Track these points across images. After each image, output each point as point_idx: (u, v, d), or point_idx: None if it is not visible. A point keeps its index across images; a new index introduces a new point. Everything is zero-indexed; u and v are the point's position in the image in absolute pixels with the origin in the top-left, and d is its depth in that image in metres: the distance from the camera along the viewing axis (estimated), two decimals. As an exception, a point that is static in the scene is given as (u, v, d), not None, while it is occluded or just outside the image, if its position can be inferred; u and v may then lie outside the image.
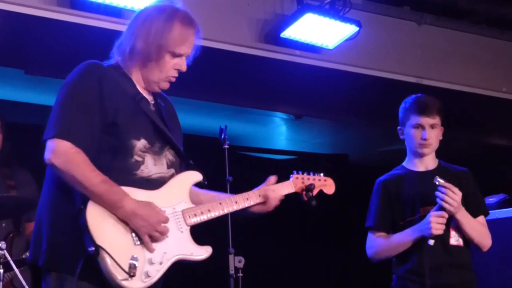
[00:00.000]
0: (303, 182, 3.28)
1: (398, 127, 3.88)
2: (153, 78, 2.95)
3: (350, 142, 8.12)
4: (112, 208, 2.72)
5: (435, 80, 6.21)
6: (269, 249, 7.59)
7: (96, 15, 4.82)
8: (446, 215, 3.62)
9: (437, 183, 3.62)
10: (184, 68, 2.96)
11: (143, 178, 2.85)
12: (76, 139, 2.71)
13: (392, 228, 3.82)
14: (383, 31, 6.02)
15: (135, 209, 2.74)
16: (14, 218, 4.56)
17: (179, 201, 2.93)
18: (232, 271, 4.52)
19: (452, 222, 3.70)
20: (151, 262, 2.77)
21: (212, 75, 5.74)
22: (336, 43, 5.57)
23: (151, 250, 2.77)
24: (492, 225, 4.57)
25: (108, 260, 2.66)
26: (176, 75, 2.98)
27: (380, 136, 7.61)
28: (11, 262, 3.94)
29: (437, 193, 3.63)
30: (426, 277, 3.58)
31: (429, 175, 3.74)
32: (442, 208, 3.62)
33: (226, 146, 4.84)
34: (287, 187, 3.24)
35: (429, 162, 3.84)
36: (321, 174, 3.38)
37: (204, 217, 2.99)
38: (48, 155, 2.71)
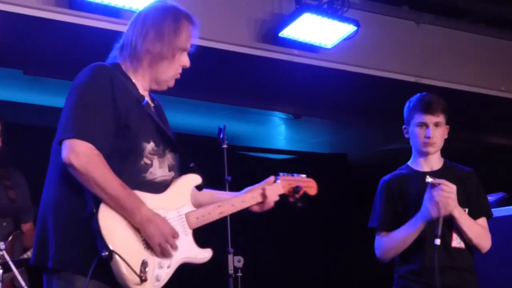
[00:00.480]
0: (289, 184, 3.29)
1: (403, 126, 3.88)
2: (164, 77, 2.98)
3: (349, 142, 8.12)
4: (127, 213, 2.72)
5: (434, 79, 6.22)
6: (268, 249, 7.59)
7: (95, 15, 4.82)
8: (453, 186, 3.59)
9: (428, 181, 3.62)
10: (188, 63, 3.00)
11: (150, 181, 2.86)
12: (95, 140, 2.70)
13: (398, 226, 3.79)
14: (381, 31, 6.02)
15: (151, 217, 2.75)
16: (14, 218, 4.57)
17: (183, 204, 2.96)
18: (231, 271, 4.52)
19: (454, 225, 3.69)
20: (160, 266, 2.80)
21: (210, 74, 5.73)
22: (334, 43, 5.57)
23: (160, 256, 2.80)
24: (491, 223, 4.56)
25: (122, 264, 2.67)
26: (181, 71, 3.02)
27: (379, 135, 7.62)
28: (10, 263, 3.94)
29: (429, 193, 3.62)
30: (436, 278, 3.53)
31: (434, 176, 3.72)
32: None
33: (225, 146, 4.84)
34: (277, 188, 3.25)
35: (434, 162, 3.83)
36: (304, 176, 3.41)
37: (205, 220, 3.01)
38: (67, 155, 2.66)
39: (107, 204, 2.70)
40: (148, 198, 2.80)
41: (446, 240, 3.69)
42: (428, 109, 3.75)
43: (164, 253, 2.79)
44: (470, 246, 3.76)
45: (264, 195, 3.19)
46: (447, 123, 3.83)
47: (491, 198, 5.05)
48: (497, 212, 4.89)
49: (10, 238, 4.47)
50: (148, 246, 2.78)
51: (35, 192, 4.20)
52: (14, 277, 4.14)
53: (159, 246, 2.77)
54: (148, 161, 2.86)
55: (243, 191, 3.23)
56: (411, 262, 3.75)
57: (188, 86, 5.85)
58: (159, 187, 2.89)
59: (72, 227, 2.72)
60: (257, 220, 7.45)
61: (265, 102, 6.40)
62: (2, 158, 4.62)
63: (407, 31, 6.17)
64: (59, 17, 4.76)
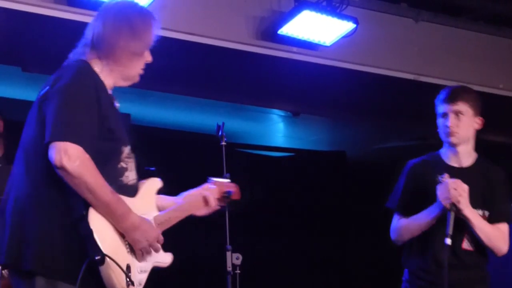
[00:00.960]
0: (221, 189, 3.33)
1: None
2: (133, 73, 2.99)
3: (347, 139, 8.12)
4: (115, 219, 2.71)
5: (432, 76, 6.21)
6: (267, 246, 7.59)
7: (93, 12, 4.75)
8: (464, 186, 3.56)
9: (440, 180, 3.59)
10: (151, 59, 3.03)
11: (125, 184, 2.86)
12: (85, 144, 2.66)
13: (416, 211, 3.76)
14: (380, 28, 6.02)
15: (138, 224, 2.76)
16: None
17: (151, 208, 3.00)
18: (229, 268, 4.52)
19: (467, 227, 3.67)
20: (141, 271, 2.83)
21: (209, 72, 5.73)
22: (333, 40, 5.57)
23: (140, 260, 2.81)
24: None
25: (112, 268, 2.64)
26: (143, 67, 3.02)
27: (378, 133, 7.61)
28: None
29: (439, 191, 3.60)
30: (445, 278, 3.54)
31: (461, 173, 3.69)
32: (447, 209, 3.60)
33: (224, 143, 4.84)
34: (214, 192, 3.26)
35: (463, 158, 3.78)
36: (229, 180, 3.47)
37: (166, 226, 3.05)
38: (59, 158, 2.61)
39: (95, 209, 2.67)
40: (129, 202, 2.79)
41: (457, 240, 3.67)
42: (446, 98, 3.73)
43: (145, 257, 2.81)
44: (480, 248, 3.73)
45: (206, 200, 3.24)
46: (481, 116, 3.76)
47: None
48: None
49: None
50: (131, 250, 2.78)
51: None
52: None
53: (142, 251, 2.78)
54: (124, 165, 2.86)
55: (181, 196, 3.26)
56: (420, 258, 3.73)
57: (187, 83, 5.87)
58: (131, 190, 2.89)
59: (58, 230, 2.67)
60: (256, 218, 7.48)
61: (263, 100, 6.39)
62: (10, 154, 4.62)
63: (406, 28, 6.16)
64: (57, 14, 4.75)
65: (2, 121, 4.88)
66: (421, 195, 3.77)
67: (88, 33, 2.93)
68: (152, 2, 4.83)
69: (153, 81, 5.54)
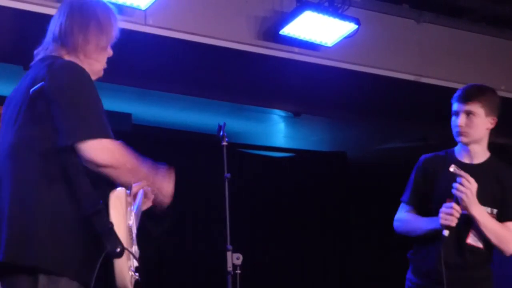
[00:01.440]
0: (155, 196, 3.32)
1: None
2: (99, 67, 2.97)
3: (348, 140, 8.12)
4: (148, 177, 2.85)
5: (434, 78, 6.21)
6: (267, 246, 7.60)
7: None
8: (458, 208, 3.57)
9: (451, 170, 3.59)
10: (112, 53, 3.01)
11: None
12: (110, 135, 2.73)
13: (424, 206, 3.79)
14: (382, 29, 6.02)
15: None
16: None
17: None
18: (230, 268, 4.52)
19: (474, 223, 3.65)
20: (132, 270, 2.79)
21: (210, 72, 5.74)
22: (335, 41, 5.57)
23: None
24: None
25: (125, 262, 2.66)
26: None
27: (379, 133, 7.61)
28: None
29: (454, 184, 3.60)
30: (442, 273, 3.54)
31: (472, 170, 3.68)
32: (457, 201, 3.59)
33: (225, 143, 4.85)
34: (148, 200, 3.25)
35: (476, 155, 3.79)
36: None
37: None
38: (102, 156, 2.66)
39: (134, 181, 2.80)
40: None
41: (461, 236, 3.67)
42: (458, 97, 3.75)
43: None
44: (487, 246, 3.71)
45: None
46: (496, 116, 3.78)
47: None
48: (497, 211, 4.90)
49: None
50: (132, 242, 2.79)
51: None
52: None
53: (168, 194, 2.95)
54: None
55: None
56: (424, 256, 3.73)
57: (188, 83, 5.87)
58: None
59: (60, 227, 2.66)
60: (256, 217, 7.48)
61: (265, 100, 6.40)
62: None
63: (408, 29, 6.16)
64: (59, 13, 4.76)
65: None
66: (429, 188, 3.79)
67: (55, 29, 2.93)
68: (154, 2, 4.83)
69: (154, 80, 5.55)
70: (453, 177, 3.64)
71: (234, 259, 4.54)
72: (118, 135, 2.81)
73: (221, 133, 4.87)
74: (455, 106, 3.75)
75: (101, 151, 2.66)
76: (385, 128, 7.10)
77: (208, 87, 5.96)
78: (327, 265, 8.07)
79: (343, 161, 8.39)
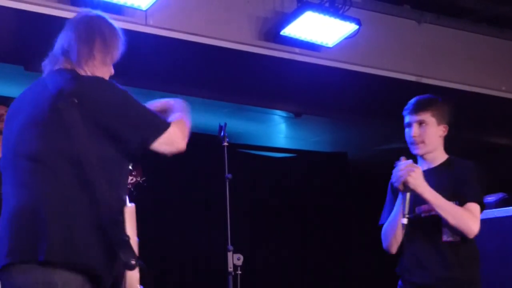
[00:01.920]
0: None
1: None
2: None
3: (349, 140, 8.12)
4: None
5: (435, 78, 6.21)
6: (268, 246, 7.60)
7: (96, 12, 4.81)
8: (402, 163, 3.68)
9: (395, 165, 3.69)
10: (113, 72, 3.11)
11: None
12: (167, 121, 2.97)
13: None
14: (383, 30, 6.02)
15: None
16: None
17: None
18: (231, 269, 4.52)
19: (443, 220, 3.67)
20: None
21: (212, 72, 5.73)
22: (335, 41, 5.57)
23: None
24: (491, 224, 4.55)
25: (136, 274, 2.75)
26: None
27: (379, 134, 7.61)
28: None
29: (394, 172, 3.69)
30: (404, 268, 3.61)
31: (430, 173, 3.74)
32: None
33: (226, 144, 4.85)
34: None
35: (433, 160, 3.84)
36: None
37: None
38: (181, 143, 2.99)
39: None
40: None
41: (435, 238, 3.69)
42: (409, 109, 3.85)
43: None
44: (468, 239, 3.71)
45: None
46: (447, 124, 3.84)
47: (491, 198, 5.05)
48: (497, 213, 4.89)
49: None
50: None
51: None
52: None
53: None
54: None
55: None
56: (403, 261, 3.77)
57: (189, 83, 5.87)
58: None
59: (77, 225, 2.71)
60: (257, 218, 7.48)
61: (266, 100, 6.39)
62: None
63: (409, 30, 6.16)
64: (60, 13, 4.76)
65: None
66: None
67: (63, 42, 3.03)
68: (155, 2, 4.83)
69: (154, 81, 5.54)
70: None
71: (235, 259, 4.55)
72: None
73: (222, 134, 4.87)
74: (407, 118, 3.85)
75: (177, 138, 2.98)
76: (386, 129, 7.09)
77: (208, 87, 5.96)
78: (328, 266, 8.07)
79: (344, 161, 8.39)
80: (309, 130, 7.84)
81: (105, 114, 2.81)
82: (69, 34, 3.01)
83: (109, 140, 2.81)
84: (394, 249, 3.80)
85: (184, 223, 7.14)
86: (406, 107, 3.87)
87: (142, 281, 2.84)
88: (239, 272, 4.55)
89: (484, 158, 7.28)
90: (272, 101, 6.42)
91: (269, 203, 7.66)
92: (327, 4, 5.38)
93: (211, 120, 5.91)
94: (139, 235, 2.88)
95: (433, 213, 3.68)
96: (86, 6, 4.76)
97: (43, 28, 4.92)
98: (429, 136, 3.80)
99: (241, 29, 5.43)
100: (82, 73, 2.94)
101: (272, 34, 5.47)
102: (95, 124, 2.78)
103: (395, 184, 3.69)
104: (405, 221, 3.61)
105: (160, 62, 5.35)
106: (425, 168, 3.82)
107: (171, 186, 6.94)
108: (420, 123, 3.79)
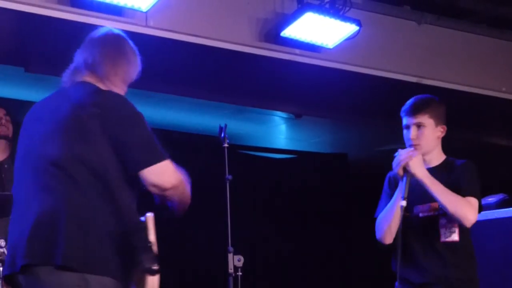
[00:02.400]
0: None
1: None
2: None
3: (349, 141, 8.12)
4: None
5: (435, 79, 6.21)
6: (269, 248, 7.59)
7: (96, 13, 4.82)
8: (402, 151, 3.71)
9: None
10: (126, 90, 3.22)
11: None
12: (167, 155, 3.01)
13: None
14: (383, 31, 6.02)
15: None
16: None
17: None
18: (231, 270, 4.53)
19: (440, 220, 3.69)
20: None
21: (212, 73, 5.74)
22: (336, 42, 5.57)
23: None
24: (492, 224, 4.56)
25: (157, 280, 2.83)
26: None
27: (380, 135, 7.61)
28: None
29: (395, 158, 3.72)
30: (397, 262, 3.61)
31: (429, 171, 3.74)
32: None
33: (226, 145, 4.86)
34: None
35: (431, 161, 3.84)
36: None
37: None
38: (171, 178, 2.97)
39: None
40: None
41: (433, 240, 3.70)
42: (407, 111, 3.84)
43: None
44: (465, 237, 3.73)
45: None
46: (445, 124, 3.84)
47: (491, 199, 5.05)
48: (498, 213, 4.90)
49: None
50: None
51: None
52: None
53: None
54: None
55: None
56: (396, 260, 3.76)
57: (190, 84, 5.87)
58: None
59: (112, 238, 2.81)
60: (257, 220, 7.47)
61: (266, 101, 6.40)
62: None
63: (409, 31, 6.16)
64: (61, 15, 4.76)
65: (11, 124, 4.92)
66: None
67: (88, 57, 3.11)
68: (155, 3, 4.83)
69: (155, 82, 5.54)
70: (412, 188, 3.71)
71: (235, 261, 4.55)
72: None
73: (222, 135, 4.87)
74: (405, 120, 3.84)
75: (170, 172, 2.97)
76: (386, 129, 7.09)
77: (209, 88, 5.96)
78: (329, 267, 8.07)
79: (344, 162, 8.39)
80: (310, 131, 7.84)
81: (119, 128, 2.91)
82: (95, 50, 3.11)
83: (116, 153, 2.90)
84: (388, 239, 3.80)
85: (185, 224, 7.14)
86: (404, 108, 3.86)
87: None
88: (239, 273, 4.55)
89: (484, 158, 7.29)
90: (273, 102, 6.42)
91: (270, 204, 7.65)
92: (327, 5, 5.38)
93: (212, 121, 5.92)
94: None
95: (431, 213, 3.70)
96: (86, 8, 4.78)
97: (43, 30, 4.93)
98: (427, 138, 3.81)
99: (241, 30, 5.44)
100: (104, 88, 3.04)
101: (272, 35, 5.47)
102: (109, 136, 2.88)
103: (395, 169, 3.70)
104: (404, 203, 3.62)
105: (160, 63, 5.35)
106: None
107: (171, 187, 6.93)
108: (418, 125, 3.79)
